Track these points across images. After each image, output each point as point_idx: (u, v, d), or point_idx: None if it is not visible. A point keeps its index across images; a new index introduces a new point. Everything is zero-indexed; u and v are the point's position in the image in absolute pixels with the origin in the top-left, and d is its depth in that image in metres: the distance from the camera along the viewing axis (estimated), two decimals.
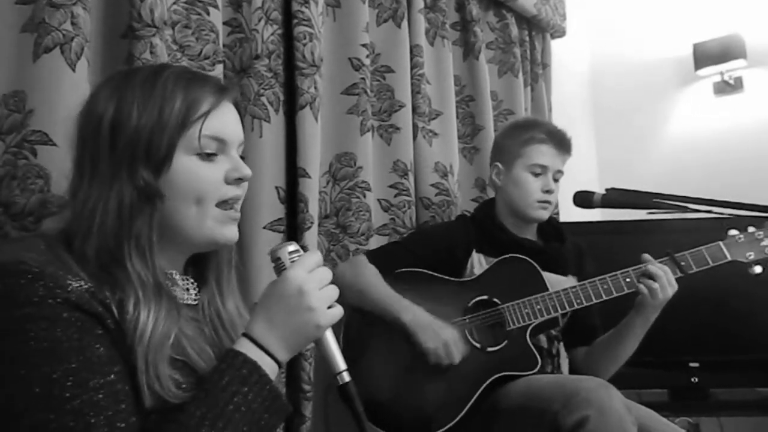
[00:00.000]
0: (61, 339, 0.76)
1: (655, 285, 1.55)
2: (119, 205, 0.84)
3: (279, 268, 0.89)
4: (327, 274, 0.89)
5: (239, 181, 0.93)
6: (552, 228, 1.87)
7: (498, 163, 1.87)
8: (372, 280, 1.66)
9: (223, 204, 0.92)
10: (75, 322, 0.77)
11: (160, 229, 0.87)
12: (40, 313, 0.76)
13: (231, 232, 0.93)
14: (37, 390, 0.74)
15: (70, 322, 0.77)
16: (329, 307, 0.88)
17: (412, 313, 1.60)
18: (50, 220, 1.15)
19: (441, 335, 1.56)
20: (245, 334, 0.86)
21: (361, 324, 1.65)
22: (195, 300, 0.97)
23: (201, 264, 0.99)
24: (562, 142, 1.79)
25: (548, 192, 1.76)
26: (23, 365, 0.75)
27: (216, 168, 0.91)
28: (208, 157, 0.90)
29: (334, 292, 0.89)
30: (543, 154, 1.77)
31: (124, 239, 0.84)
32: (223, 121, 0.93)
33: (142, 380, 0.80)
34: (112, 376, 0.78)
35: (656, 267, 1.57)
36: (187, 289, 0.96)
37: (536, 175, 1.77)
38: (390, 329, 1.63)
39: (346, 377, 0.89)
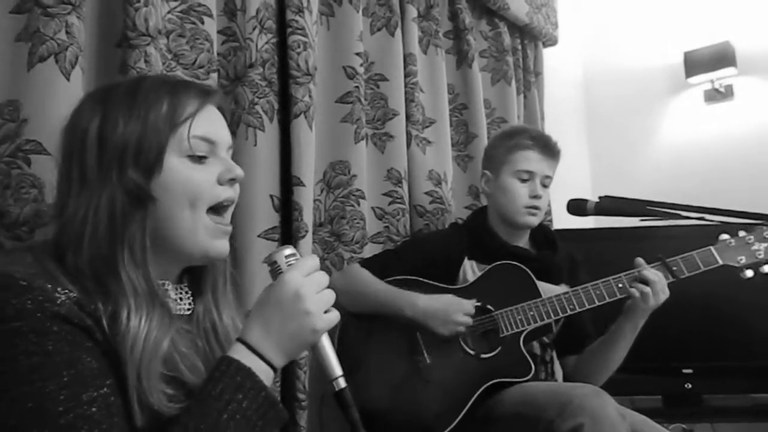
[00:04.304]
0: (52, 353, 0.75)
1: (648, 290, 1.55)
2: (111, 211, 0.84)
3: (275, 272, 0.89)
4: (324, 278, 0.89)
5: (232, 181, 0.93)
6: (545, 236, 1.87)
7: (487, 172, 1.89)
8: (367, 283, 1.67)
9: (216, 209, 0.91)
10: (65, 335, 0.76)
11: (153, 236, 0.87)
12: (29, 327, 0.75)
13: (222, 246, 0.93)
14: (30, 405, 0.73)
15: (60, 335, 0.76)
16: (326, 312, 0.87)
17: (412, 306, 1.61)
18: (44, 230, 1.15)
19: (450, 318, 1.59)
20: (240, 339, 0.85)
21: (357, 332, 1.65)
22: (189, 310, 0.96)
23: (197, 274, 0.98)
24: (547, 147, 1.80)
25: (536, 197, 1.77)
26: (14, 380, 0.74)
27: (208, 170, 0.91)
28: (199, 159, 0.90)
29: (331, 296, 0.89)
30: (528, 159, 1.78)
31: (117, 246, 0.83)
32: (210, 123, 0.93)
33: (133, 396, 0.79)
34: (105, 389, 0.77)
35: (652, 273, 1.58)
36: (180, 299, 0.95)
37: (523, 180, 1.78)
38: (385, 337, 1.63)
39: (342, 383, 0.88)
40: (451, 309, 1.60)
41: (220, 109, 0.97)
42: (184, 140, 0.88)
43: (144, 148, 0.86)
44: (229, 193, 0.92)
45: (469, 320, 1.60)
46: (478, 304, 1.67)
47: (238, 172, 0.93)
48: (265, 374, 0.84)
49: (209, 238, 0.91)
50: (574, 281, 1.72)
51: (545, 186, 1.81)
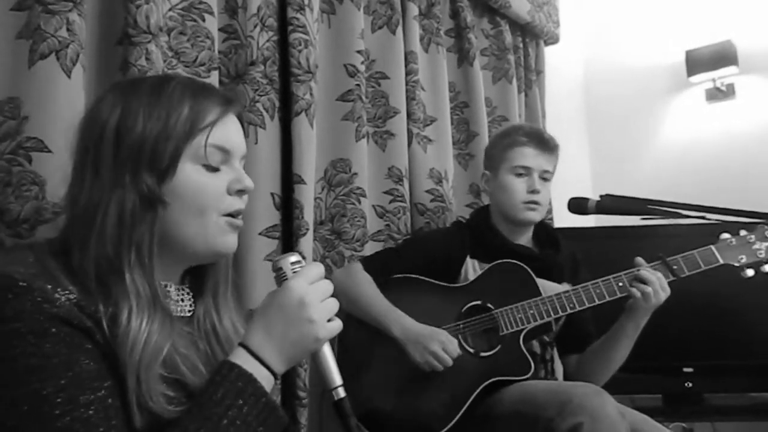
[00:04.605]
0: (50, 354, 0.74)
1: (648, 289, 1.56)
2: (121, 210, 0.83)
3: (280, 278, 0.89)
4: (329, 286, 0.88)
5: (241, 192, 0.93)
6: (547, 235, 1.87)
7: (487, 171, 1.91)
8: (366, 289, 1.67)
9: (226, 216, 0.91)
10: (64, 337, 0.76)
11: (160, 239, 0.86)
12: (28, 329, 0.74)
13: (232, 241, 0.93)
14: (26, 408, 0.73)
15: (58, 337, 0.75)
16: (329, 321, 0.87)
17: (400, 326, 1.61)
18: (45, 228, 1.15)
19: (428, 347, 1.56)
20: (242, 344, 0.85)
21: (357, 330, 1.66)
22: (189, 311, 0.96)
23: (198, 275, 0.98)
24: (541, 142, 1.80)
25: (534, 192, 1.76)
26: (11, 382, 0.74)
27: (219, 179, 0.91)
28: (212, 167, 0.90)
29: (334, 305, 0.88)
30: (524, 155, 1.79)
31: (123, 247, 0.83)
32: (228, 132, 0.92)
33: (132, 399, 0.78)
34: (103, 392, 0.76)
35: (649, 272, 1.58)
36: (182, 300, 0.95)
37: (520, 176, 1.79)
38: (383, 335, 1.63)
39: (342, 393, 0.88)
40: (434, 338, 1.57)
41: (239, 117, 0.96)
42: (200, 148, 0.88)
43: (160, 151, 0.85)
44: (238, 205, 0.92)
45: (447, 359, 1.56)
46: (478, 302, 1.67)
47: (248, 183, 0.93)
48: (266, 380, 0.83)
49: (219, 236, 0.91)
50: (576, 281, 1.72)
51: (546, 180, 1.81)
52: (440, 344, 1.56)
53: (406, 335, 1.59)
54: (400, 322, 1.61)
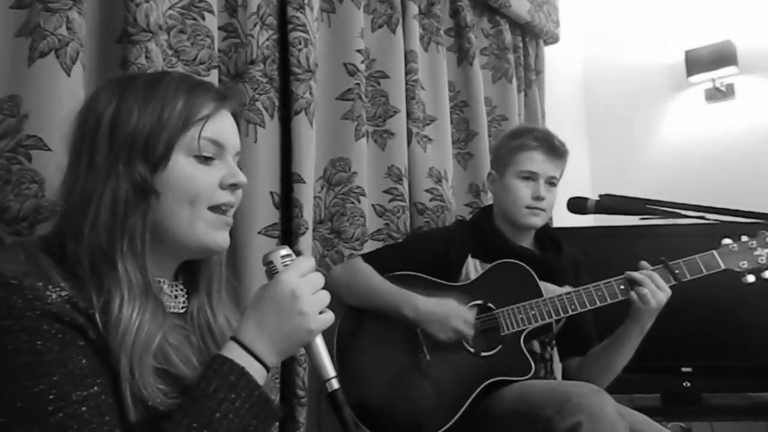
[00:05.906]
0: (42, 351, 0.75)
1: (644, 290, 1.54)
2: (114, 200, 0.84)
3: (271, 271, 0.89)
4: (320, 279, 0.89)
5: (234, 187, 0.93)
6: (550, 238, 1.86)
7: (493, 171, 1.90)
8: (370, 279, 1.67)
9: (216, 209, 0.92)
10: (55, 334, 0.76)
11: (152, 230, 0.87)
12: (20, 326, 0.74)
13: (222, 238, 0.93)
14: (20, 405, 0.73)
15: (50, 334, 0.75)
16: (321, 313, 0.88)
17: (412, 306, 1.61)
18: (44, 226, 1.15)
19: (448, 323, 1.58)
20: (234, 338, 0.86)
21: (355, 328, 1.66)
22: (183, 308, 0.96)
23: (192, 272, 0.98)
24: (551, 148, 1.78)
25: (538, 198, 1.76)
26: (4, 379, 0.74)
27: (212, 172, 0.91)
28: (205, 160, 0.90)
29: (326, 297, 0.89)
30: (532, 160, 1.78)
31: (117, 235, 0.84)
32: (222, 127, 0.93)
33: (126, 390, 0.79)
34: (96, 388, 0.77)
35: (638, 273, 1.57)
36: (175, 296, 0.95)
37: (526, 179, 1.77)
38: (384, 333, 1.63)
39: (335, 384, 0.88)
40: (451, 314, 1.59)
41: (234, 114, 0.97)
42: (194, 140, 0.89)
43: (153, 142, 0.86)
44: (228, 198, 0.93)
45: (468, 330, 1.59)
46: (480, 302, 1.67)
47: (241, 178, 0.93)
48: (259, 373, 0.84)
49: (209, 230, 0.91)
50: (578, 285, 1.71)
51: (552, 185, 1.80)
52: (459, 316, 1.59)
53: (420, 315, 1.60)
54: (411, 302, 1.61)
